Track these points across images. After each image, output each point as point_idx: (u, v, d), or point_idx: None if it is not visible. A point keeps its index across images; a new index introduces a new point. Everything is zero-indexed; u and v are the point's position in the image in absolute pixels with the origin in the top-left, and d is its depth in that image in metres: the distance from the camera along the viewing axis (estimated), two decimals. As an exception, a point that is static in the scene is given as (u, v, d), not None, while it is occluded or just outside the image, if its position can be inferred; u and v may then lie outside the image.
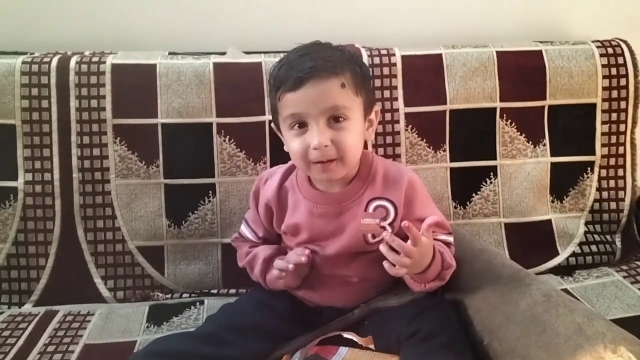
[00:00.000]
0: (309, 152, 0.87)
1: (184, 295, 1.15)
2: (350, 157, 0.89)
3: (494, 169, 1.24)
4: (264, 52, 1.23)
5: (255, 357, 0.87)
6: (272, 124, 1.00)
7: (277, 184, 0.99)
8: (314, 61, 0.86)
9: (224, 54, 1.23)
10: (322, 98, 0.85)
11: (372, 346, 0.87)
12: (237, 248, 1.07)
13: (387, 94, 1.22)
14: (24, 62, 1.16)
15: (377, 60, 1.22)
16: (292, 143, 0.89)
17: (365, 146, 1.10)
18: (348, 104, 0.88)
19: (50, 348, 0.95)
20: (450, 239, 0.94)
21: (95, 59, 1.18)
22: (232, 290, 1.15)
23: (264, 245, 1.02)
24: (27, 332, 0.99)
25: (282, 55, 1.19)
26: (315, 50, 0.90)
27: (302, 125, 0.88)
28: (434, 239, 0.88)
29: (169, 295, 1.15)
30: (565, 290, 1.07)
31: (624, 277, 1.11)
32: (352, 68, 0.90)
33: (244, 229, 1.06)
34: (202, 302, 1.10)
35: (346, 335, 0.88)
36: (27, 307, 1.12)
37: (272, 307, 0.94)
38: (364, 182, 0.93)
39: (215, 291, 1.16)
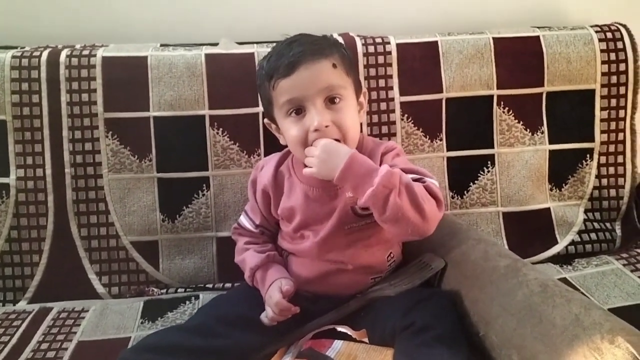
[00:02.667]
0: (308, 136, 0.87)
1: (179, 290, 1.14)
2: (352, 136, 0.90)
3: (491, 157, 1.22)
4: (257, 43, 1.21)
5: (247, 349, 0.86)
6: (265, 120, 1.00)
7: (273, 169, 0.99)
8: (303, 46, 0.88)
9: (216, 44, 1.22)
10: (316, 79, 0.87)
11: (366, 340, 0.86)
12: (235, 241, 1.06)
13: (382, 83, 1.20)
14: (13, 57, 1.15)
15: (371, 49, 1.21)
16: (291, 130, 0.89)
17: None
18: (342, 83, 0.90)
19: (44, 345, 0.94)
20: (422, 177, 0.88)
21: (85, 52, 1.16)
22: (228, 284, 1.14)
23: (256, 246, 1.01)
24: (20, 330, 0.98)
25: (275, 45, 1.19)
26: (300, 37, 0.92)
27: (299, 111, 0.88)
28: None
29: (164, 290, 1.14)
30: (565, 279, 1.06)
31: (624, 265, 1.10)
32: (339, 50, 0.93)
33: (242, 219, 1.06)
34: (197, 297, 1.09)
35: (340, 328, 0.87)
36: (22, 305, 1.11)
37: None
38: None
39: (210, 285, 1.15)
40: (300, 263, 0.96)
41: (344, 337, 0.87)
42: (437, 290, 0.93)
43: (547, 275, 0.86)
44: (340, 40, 1.20)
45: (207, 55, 1.17)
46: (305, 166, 0.89)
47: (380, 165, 0.88)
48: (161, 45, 1.21)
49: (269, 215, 1.02)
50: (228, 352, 0.83)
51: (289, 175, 0.98)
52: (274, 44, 0.97)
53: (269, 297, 0.89)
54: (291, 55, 0.87)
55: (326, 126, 0.87)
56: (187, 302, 1.07)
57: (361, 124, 1.04)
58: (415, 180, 0.85)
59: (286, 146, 0.97)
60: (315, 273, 0.95)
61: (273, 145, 1.09)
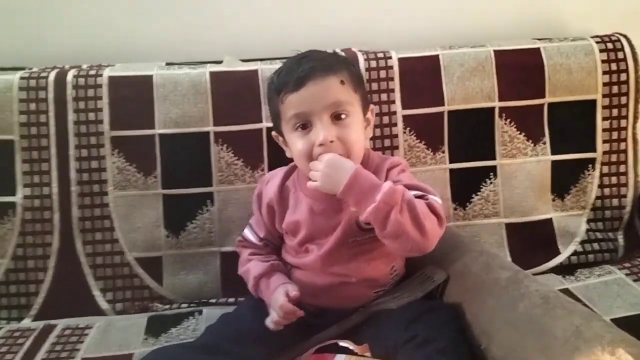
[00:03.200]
0: (313, 150, 0.89)
1: (183, 305, 1.15)
2: (357, 152, 0.91)
3: (493, 169, 1.23)
4: (261, 60, 1.23)
5: None
6: (273, 133, 1.01)
7: (279, 183, 1.00)
8: (312, 62, 0.90)
9: (220, 62, 1.23)
10: (324, 94, 0.89)
11: (368, 354, 0.86)
12: (239, 254, 1.07)
13: (384, 97, 1.21)
14: (21, 78, 1.17)
15: (373, 63, 1.22)
16: (296, 144, 0.91)
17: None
18: (349, 100, 0.91)
19: (48, 363, 0.95)
20: (425, 193, 0.88)
21: (92, 72, 1.18)
22: (232, 299, 1.14)
23: (260, 256, 1.02)
24: (25, 347, 0.99)
25: (278, 62, 1.21)
26: (311, 53, 0.94)
27: (306, 125, 0.90)
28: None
29: (168, 306, 1.15)
30: (567, 290, 1.06)
31: (627, 274, 1.09)
32: (348, 67, 0.95)
33: (246, 232, 1.06)
34: (200, 312, 1.09)
35: (342, 343, 0.87)
36: (26, 322, 1.12)
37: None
38: None
39: (214, 300, 1.15)
40: (304, 276, 0.97)
41: (347, 351, 0.86)
42: (439, 302, 0.93)
43: (548, 286, 0.86)
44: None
45: (212, 73, 1.19)
46: (310, 180, 0.90)
47: (385, 180, 0.89)
48: (167, 64, 1.23)
49: (273, 229, 1.02)
50: None
51: (294, 190, 0.99)
52: (279, 60, 0.98)
53: (274, 301, 0.90)
54: (300, 70, 0.89)
55: (331, 141, 0.88)
56: (191, 318, 1.07)
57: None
58: (418, 197, 0.86)
59: (292, 160, 0.98)
60: (319, 286, 0.95)
61: (277, 160, 1.10)
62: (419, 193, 0.87)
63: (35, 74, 1.18)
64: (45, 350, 0.98)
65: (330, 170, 0.85)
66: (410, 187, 0.87)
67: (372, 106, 1.01)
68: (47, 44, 1.30)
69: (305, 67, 0.89)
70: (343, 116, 0.90)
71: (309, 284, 0.96)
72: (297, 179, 1.00)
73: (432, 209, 0.85)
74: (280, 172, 1.03)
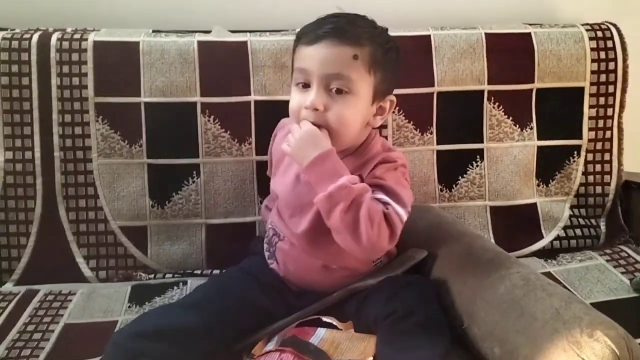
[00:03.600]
0: (301, 112, 0.87)
1: (167, 275, 1.15)
2: (341, 134, 0.87)
3: (480, 152, 1.24)
4: (250, 31, 1.21)
5: (239, 328, 0.86)
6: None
7: (284, 135, 0.96)
8: (340, 24, 0.86)
9: (209, 32, 1.21)
10: (330, 62, 0.84)
11: (352, 330, 0.87)
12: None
13: (374, 75, 1.20)
14: (3, 38, 1.14)
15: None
16: (293, 99, 0.89)
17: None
18: (354, 77, 0.85)
19: (30, 327, 0.94)
20: (391, 201, 0.85)
21: (77, 36, 1.16)
22: (216, 271, 1.15)
23: None
24: (7, 311, 0.98)
25: (268, 34, 1.19)
26: (350, 16, 0.89)
27: (306, 85, 0.87)
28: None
29: (152, 276, 1.14)
30: (549, 274, 1.08)
31: (607, 260, 1.12)
32: (374, 45, 0.87)
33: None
34: (185, 283, 1.09)
35: (326, 319, 0.87)
36: (8, 286, 1.11)
37: (259, 281, 0.94)
38: (356, 162, 0.90)
39: (199, 272, 1.15)
40: (287, 255, 0.96)
41: (329, 326, 0.87)
42: (418, 277, 0.93)
43: (529, 269, 0.87)
44: None
45: (200, 43, 1.17)
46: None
47: (369, 172, 0.89)
48: (153, 31, 1.20)
49: None
50: (218, 330, 0.83)
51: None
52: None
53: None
54: (323, 26, 0.86)
55: (316, 109, 0.84)
56: (175, 288, 1.07)
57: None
58: (382, 201, 0.84)
59: (274, 125, 0.98)
60: (301, 267, 0.95)
61: (264, 134, 1.10)
62: (384, 198, 0.85)
63: (18, 35, 1.15)
64: (27, 314, 0.98)
65: (304, 143, 0.84)
66: (383, 190, 0.86)
67: (392, 97, 0.94)
68: (29, 5, 1.27)
69: (330, 26, 0.85)
70: (344, 91, 0.85)
71: (291, 264, 0.95)
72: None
73: (387, 219, 0.83)
74: (289, 123, 0.97)
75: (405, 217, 0.86)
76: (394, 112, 1.20)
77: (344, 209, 0.80)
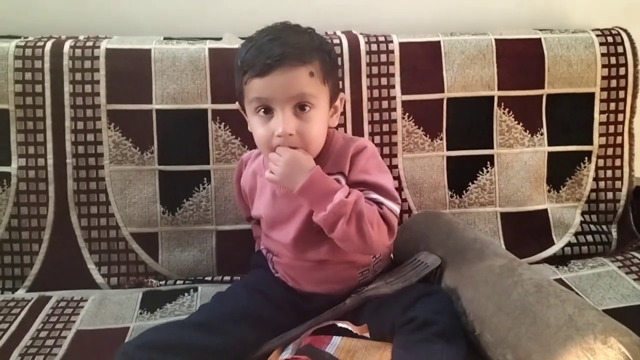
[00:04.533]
0: (272, 140, 0.87)
1: (178, 282, 1.15)
2: (314, 148, 0.89)
3: (490, 158, 1.23)
4: (260, 38, 1.22)
5: (249, 344, 0.86)
6: (237, 104, 0.97)
7: (252, 170, 1.00)
8: (283, 48, 0.85)
9: (219, 39, 1.22)
10: (289, 86, 0.85)
11: (367, 335, 0.86)
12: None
13: (384, 81, 1.21)
14: (17, 46, 1.15)
15: (374, 47, 1.21)
16: (257, 129, 0.89)
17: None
18: (315, 92, 0.87)
19: (43, 334, 0.94)
20: (384, 200, 0.89)
21: (89, 44, 1.17)
22: (227, 278, 1.15)
23: None
24: (20, 318, 0.99)
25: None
26: (284, 35, 0.88)
27: (268, 110, 0.87)
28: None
29: (163, 282, 1.15)
30: (560, 280, 1.07)
31: (619, 267, 1.11)
32: (321, 56, 0.89)
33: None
34: (195, 289, 1.09)
35: (340, 324, 0.87)
36: (20, 293, 1.12)
37: (264, 294, 0.94)
38: (320, 161, 0.91)
39: (209, 278, 1.16)
40: (284, 264, 0.97)
41: (345, 333, 0.87)
42: (436, 287, 0.93)
43: (542, 275, 0.87)
44: (344, 38, 1.21)
45: (211, 50, 1.18)
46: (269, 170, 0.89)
47: (349, 167, 0.90)
48: (164, 39, 1.21)
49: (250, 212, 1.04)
50: (229, 349, 0.83)
51: (260, 174, 0.98)
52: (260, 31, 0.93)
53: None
54: (269, 55, 0.84)
55: (290, 134, 0.85)
56: (186, 294, 1.07)
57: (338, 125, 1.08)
58: (376, 201, 0.88)
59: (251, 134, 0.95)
60: (300, 272, 0.95)
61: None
62: (378, 198, 0.88)
63: (32, 43, 1.16)
64: (40, 321, 0.98)
65: (289, 170, 0.85)
66: (371, 187, 0.89)
67: (342, 94, 0.96)
68: (43, 13, 1.28)
69: (275, 52, 0.84)
70: (307, 108, 0.86)
71: (290, 270, 0.96)
72: (263, 164, 0.98)
73: (384, 218, 0.87)
74: (253, 154, 1.03)
75: (398, 210, 0.90)
76: (403, 118, 1.20)
77: (345, 222, 0.83)
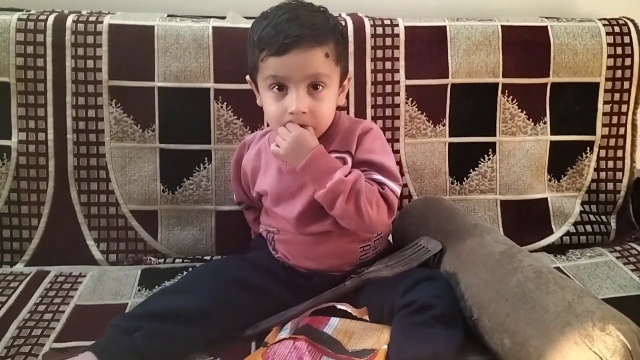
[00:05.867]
0: (284, 116, 0.89)
1: (177, 260, 1.15)
2: (324, 125, 0.93)
3: (492, 145, 1.23)
4: (265, 18, 1.20)
5: (244, 313, 0.88)
6: (247, 77, 0.98)
7: (256, 151, 1.02)
8: (301, 28, 0.87)
9: (223, 18, 1.21)
10: (306, 66, 0.87)
11: (366, 317, 0.87)
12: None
13: (388, 65, 1.20)
14: (19, 19, 1.14)
15: (379, 30, 1.20)
16: (270, 105, 0.91)
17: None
18: (329, 72, 0.90)
19: (41, 307, 0.95)
20: (386, 180, 0.92)
21: (92, 19, 1.15)
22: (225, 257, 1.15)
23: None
24: (18, 291, 0.99)
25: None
26: (301, 14, 0.89)
27: (282, 87, 0.89)
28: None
29: (162, 260, 1.15)
30: (558, 269, 1.06)
31: (617, 257, 1.11)
32: (335, 38, 0.92)
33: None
34: (194, 268, 1.09)
35: (340, 306, 0.87)
36: (19, 267, 1.12)
37: (261, 267, 0.95)
38: (326, 140, 0.94)
39: (208, 257, 1.16)
40: (285, 241, 0.98)
41: (344, 315, 0.87)
42: (436, 271, 0.93)
43: (542, 262, 0.88)
44: (349, 20, 1.20)
45: (215, 28, 1.17)
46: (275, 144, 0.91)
47: (356, 146, 0.93)
48: (168, 16, 1.20)
49: (249, 194, 1.05)
50: (223, 316, 0.84)
51: (265, 152, 1.00)
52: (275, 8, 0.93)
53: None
54: (287, 35, 0.86)
55: (303, 112, 0.88)
56: (185, 273, 1.06)
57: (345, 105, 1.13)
58: (378, 182, 0.91)
59: (262, 107, 0.96)
60: (301, 247, 0.96)
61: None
62: (380, 179, 0.91)
63: (34, 16, 1.15)
64: (38, 295, 0.98)
65: (295, 146, 0.88)
66: (375, 167, 0.92)
67: (350, 75, 1.01)
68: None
69: (293, 32, 0.86)
70: (320, 87, 0.90)
71: (291, 247, 0.97)
72: (269, 142, 0.99)
73: (385, 198, 0.90)
74: (257, 135, 1.05)
75: (399, 191, 0.93)
76: (407, 102, 1.20)
77: (344, 200, 0.86)
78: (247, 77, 0.98)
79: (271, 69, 0.88)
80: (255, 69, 0.92)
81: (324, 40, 0.89)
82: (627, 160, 1.27)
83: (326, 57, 0.89)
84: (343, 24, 1.18)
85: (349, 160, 0.93)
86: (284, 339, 0.82)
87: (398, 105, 1.20)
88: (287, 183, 0.95)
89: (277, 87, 0.89)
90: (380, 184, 0.91)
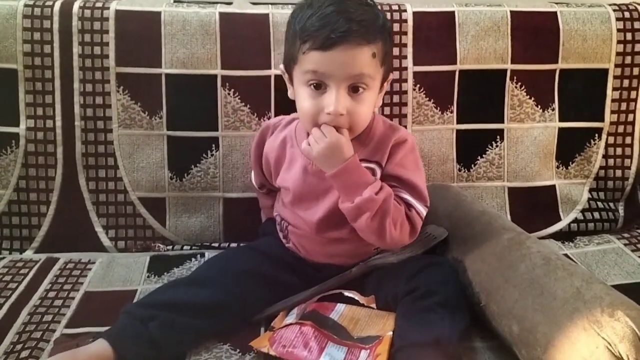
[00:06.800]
0: (320, 115, 0.84)
1: (185, 247, 1.16)
2: (360, 128, 0.88)
3: (500, 132, 1.22)
4: (272, 4, 1.20)
5: (254, 303, 0.88)
6: (281, 66, 0.93)
7: (282, 137, 0.97)
8: (349, 23, 0.80)
9: (230, 4, 1.20)
10: (351, 65, 0.82)
11: (373, 305, 0.87)
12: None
13: (396, 51, 1.18)
14: (26, 5, 1.13)
15: (387, 15, 1.19)
16: (305, 101, 0.85)
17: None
18: (373, 74, 0.85)
19: (51, 294, 0.95)
20: (414, 202, 0.88)
21: (98, 5, 1.15)
22: (233, 244, 1.15)
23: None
24: (28, 278, 1.00)
25: (290, 7, 1.17)
26: (350, 7, 0.83)
27: (320, 85, 0.84)
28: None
29: (170, 247, 1.16)
30: (566, 256, 1.06)
31: (625, 244, 1.11)
32: (383, 37, 0.86)
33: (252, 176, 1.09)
34: (202, 255, 1.10)
35: (347, 293, 0.88)
36: (28, 254, 1.13)
37: (271, 257, 0.95)
38: (359, 144, 0.90)
39: (216, 244, 1.16)
40: (300, 236, 0.96)
41: (352, 302, 0.88)
42: (440, 257, 0.93)
43: (550, 248, 0.87)
44: None
45: (221, 14, 1.16)
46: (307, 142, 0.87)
47: (387, 157, 0.89)
48: (175, 2, 1.20)
49: (270, 180, 1.02)
50: (230, 306, 0.85)
51: (291, 145, 0.96)
52: (290, 5, 0.90)
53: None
54: (334, 29, 0.80)
55: (341, 114, 0.83)
56: (193, 259, 1.08)
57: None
58: (405, 202, 0.87)
59: (294, 101, 0.92)
60: (316, 245, 0.95)
61: (284, 108, 1.09)
62: (409, 200, 0.88)
63: (40, 2, 1.15)
64: (48, 281, 0.99)
65: (329, 153, 0.83)
66: (405, 185, 0.88)
67: (391, 75, 0.94)
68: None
69: (341, 27, 0.79)
70: (361, 90, 0.84)
71: (305, 243, 0.96)
72: (296, 134, 0.96)
73: (409, 219, 0.87)
74: (283, 122, 1.00)
75: (425, 213, 0.89)
76: (414, 89, 1.20)
77: (369, 217, 0.83)
78: (281, 67, 0.93)
79: (312, 63, 0.82)
80: (294, 60, 0.86)
81: (372, 38, 0.82)
82: (636, 148, 1.26)
83: (372, 57, 0.83)
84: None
85: (378, 172, 0.89)
86: (291, 323, 0.82)
87: (405, 92, 1.19)
88: (312, 184, 0.91)
89: (315, 84, 0.84)
90: (408, 206, 0.87)
